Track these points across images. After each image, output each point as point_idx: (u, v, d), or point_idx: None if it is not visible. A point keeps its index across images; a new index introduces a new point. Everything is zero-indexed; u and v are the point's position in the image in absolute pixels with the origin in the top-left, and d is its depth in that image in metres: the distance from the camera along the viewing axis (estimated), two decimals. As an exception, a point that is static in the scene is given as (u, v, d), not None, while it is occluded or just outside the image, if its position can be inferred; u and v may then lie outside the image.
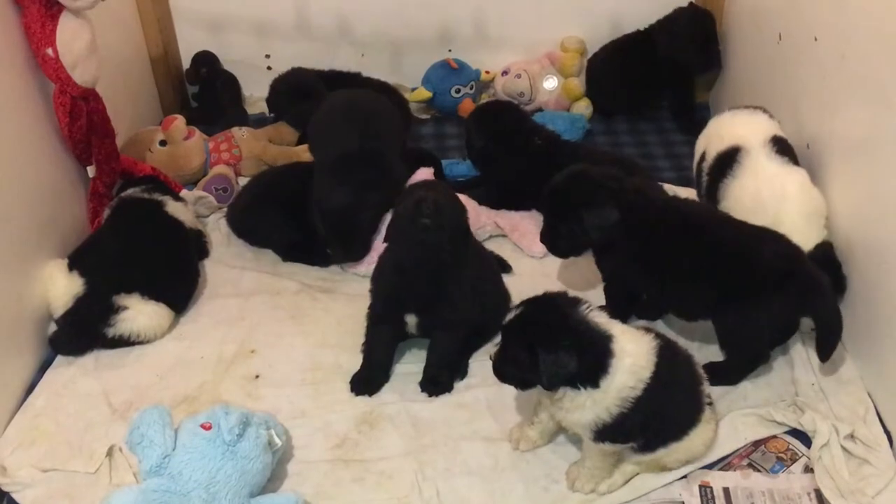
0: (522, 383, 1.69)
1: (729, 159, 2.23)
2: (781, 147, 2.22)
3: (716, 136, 2.33)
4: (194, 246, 2.45)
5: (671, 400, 1.67)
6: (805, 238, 2.02)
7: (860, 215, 2.04)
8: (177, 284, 2.30)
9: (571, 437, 1.88)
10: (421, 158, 2.69)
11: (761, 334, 1.99)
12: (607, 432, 1.64)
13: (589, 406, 1.61)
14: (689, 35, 2.95)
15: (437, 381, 2.05)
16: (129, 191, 2.43)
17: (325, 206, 2.31)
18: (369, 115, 2.48)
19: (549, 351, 1.56)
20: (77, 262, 2.20)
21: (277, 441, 1.79)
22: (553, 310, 1.61)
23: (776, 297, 1.89)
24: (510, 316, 1.64)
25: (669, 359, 1.66)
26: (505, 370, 1.68)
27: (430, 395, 2.03)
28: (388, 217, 2.05)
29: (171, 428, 1.72)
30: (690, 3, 3.05)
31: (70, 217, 2.35)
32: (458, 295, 1.98)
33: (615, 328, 1.62)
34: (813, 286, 1.90)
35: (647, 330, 1.69)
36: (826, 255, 2.06)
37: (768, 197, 2.12)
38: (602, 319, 1.61)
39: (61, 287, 2.15)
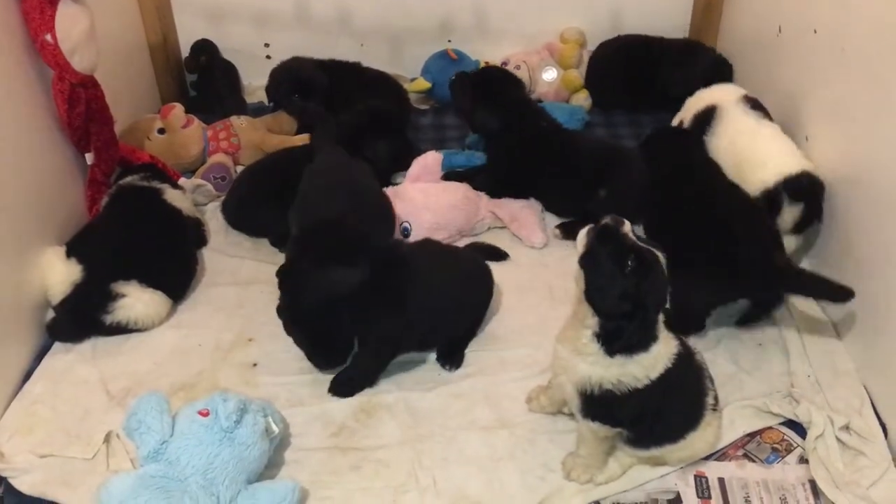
0: (585, 268, 1.56)
1: (706, 116, 2.41)
2: (754, 104, 2.39)
3: (692, 104, 2.53)
4: (193, 234, 2.45)
5: (670, 405, 1.66)
6: (780, 164, 2.18)
7: (860, 206, 2.04)
8: (175, 272, 2.30)
9: (570, 427, 1.89)
10: (381, 117, 2.70)
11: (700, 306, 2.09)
12: (593, 406, 1.63)
13: (590, 361, 1.59)
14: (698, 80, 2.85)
15: (343, 384, 2.02)
16: (128, 179, 2.43)
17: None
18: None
19: (642, 328, 1.55)
20: (75, 249, 2.19)
21: (275, 428, 1.79)
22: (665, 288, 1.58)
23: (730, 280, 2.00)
24: (651, 252, 1.54)
25: (681, 368, 1.65)
26: (594, 267, 1.55)
27: (333, 395, 2.00)
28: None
29: (168, 414, 1.72)
30: (712, 49, 3.03)
31: (68, 204, 2.34)
32: (374, 322, 1.94)
33: (662, 332, 1.62)
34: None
35: (676, 336, 1.69)
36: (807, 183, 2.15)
37: (743, 139, 2.31)
38: (660, 323, 1.61)
39: (59, 274, 2.15)
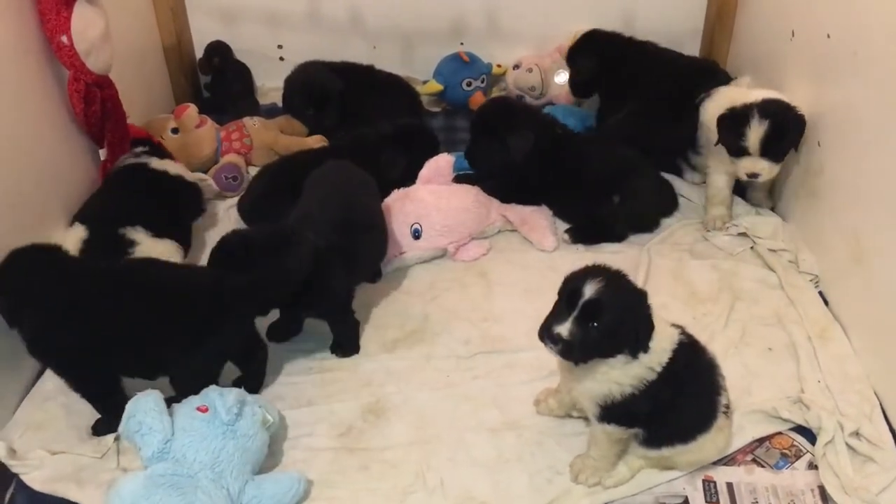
0: (589, 356, 1.60)
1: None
2: None
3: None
4: (186, 197, 2.48)
5: (683, 397, 1.66)
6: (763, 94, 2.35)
7: (873, 210, 2.03)
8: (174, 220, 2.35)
9: (577, 430, 1.89)
10: (420, 137, 2.69)
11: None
12: (613, 412, 1.64)
13: (614, 379, 1.61)
14: None
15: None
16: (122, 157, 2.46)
17: None
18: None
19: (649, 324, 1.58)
20: (77, 216, 2.24)
21: (269, 418, 1.81)
22: (630, 282, 1.63)
23: None
24: (589, 286, 1.56)
25: (689, 357, 1.66)
26: (589, 348, 1.58)
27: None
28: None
29: (166, 413, 1.74)
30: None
31: (84, 195, 2.34)
32: None
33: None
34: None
35: (677, 326, 1.69)
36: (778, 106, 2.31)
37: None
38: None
39: (68, 240, 2.13)
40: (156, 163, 2.45)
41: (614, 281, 1.59)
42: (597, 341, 1.56)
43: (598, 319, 1.55)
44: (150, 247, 2.19)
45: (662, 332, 1.62)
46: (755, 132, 2.27)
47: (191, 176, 2.55)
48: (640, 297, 1.62)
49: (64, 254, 1.92)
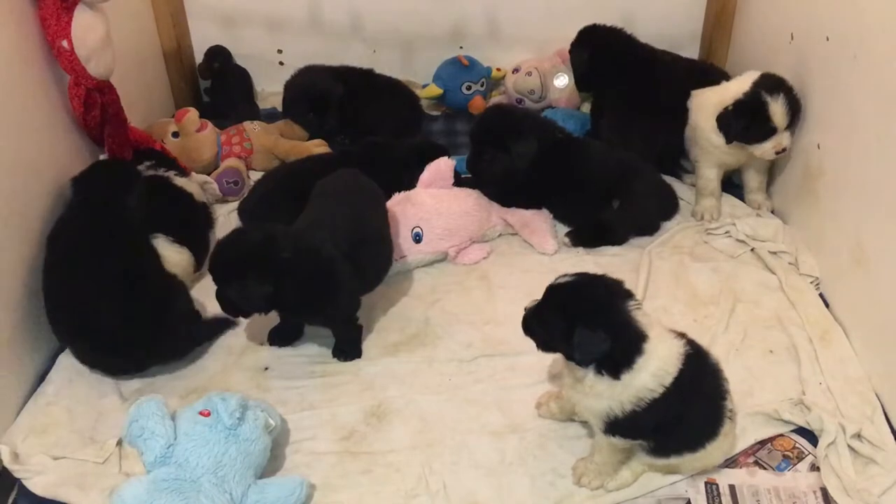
0: (545, 345, 1.68)
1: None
2: None
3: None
4: (202, 214, 2.53)
5: (690, 410, 1.65)
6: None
7: (873, 212, 2.03)
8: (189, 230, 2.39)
9: (580, 433, 1.89)
10: (431, 151, 2.69)
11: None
12: (618, 427, 1.64)
13: (606, 396, 1.61)
14: None
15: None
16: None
17: None
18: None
19: (588, 328, 1.56)
20: None
21: (272, 422, 1.82)
22: (603, 291, 1.62)
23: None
24: (561, 280, 1.65)
25: (695, 368, 1.64)
26: (535, 328, 1.68)
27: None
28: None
29: (169, 418, 1.74)
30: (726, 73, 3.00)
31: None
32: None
33: (653, 329, 1.60)
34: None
35: (681, 335, 1.68)
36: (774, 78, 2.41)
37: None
38: (644, 319, 1.59)
39: None
40: (178, 181, 2.48)
41: (592, 280, 1.64)
42: (544, 324, 1.64)
43: (549, 304, 1.64)
44: (168, 254, 2.24)
45: (667, 348, 1.61)
46: (779, 108, 2.33)
47: (202, 194, 2.59)
48: (615, 308, 1.59)
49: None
